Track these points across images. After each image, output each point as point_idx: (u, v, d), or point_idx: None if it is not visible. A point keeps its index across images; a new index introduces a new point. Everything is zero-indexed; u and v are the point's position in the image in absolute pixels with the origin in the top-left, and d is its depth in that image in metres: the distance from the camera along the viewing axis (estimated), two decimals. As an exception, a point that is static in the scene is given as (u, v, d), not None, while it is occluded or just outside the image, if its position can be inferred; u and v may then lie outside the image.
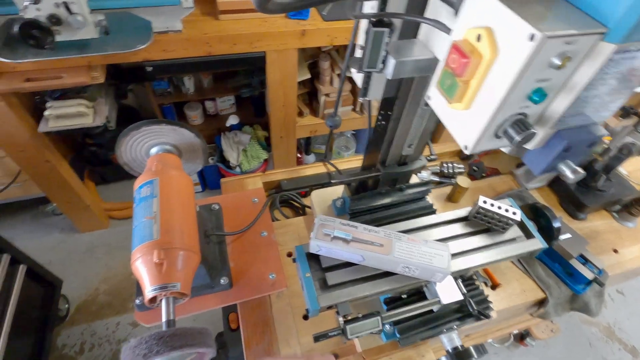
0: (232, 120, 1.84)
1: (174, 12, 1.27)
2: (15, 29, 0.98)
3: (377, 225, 0.64)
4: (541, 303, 0.82)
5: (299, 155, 2.09)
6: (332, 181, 0.65)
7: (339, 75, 1.69)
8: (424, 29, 0.44)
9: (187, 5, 1.30)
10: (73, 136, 1.76)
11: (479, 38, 0.27)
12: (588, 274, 0.77)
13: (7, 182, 1.54)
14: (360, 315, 0.56)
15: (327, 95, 1.72)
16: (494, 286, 0.79)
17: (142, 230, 0.59)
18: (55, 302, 1.45)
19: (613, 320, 1.75)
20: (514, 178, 1.00)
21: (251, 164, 1.86)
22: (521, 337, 1.61)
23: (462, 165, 0.98)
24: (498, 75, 0.27)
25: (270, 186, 0.94)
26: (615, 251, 0.87)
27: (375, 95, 0.55)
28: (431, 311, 0.63)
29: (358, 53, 0.54)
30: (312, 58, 1.71)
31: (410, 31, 0.45)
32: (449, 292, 0.59)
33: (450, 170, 0.97)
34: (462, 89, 0.29)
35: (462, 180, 0.87)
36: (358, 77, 0.58)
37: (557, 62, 0.24)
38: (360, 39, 0.54)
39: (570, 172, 0.31)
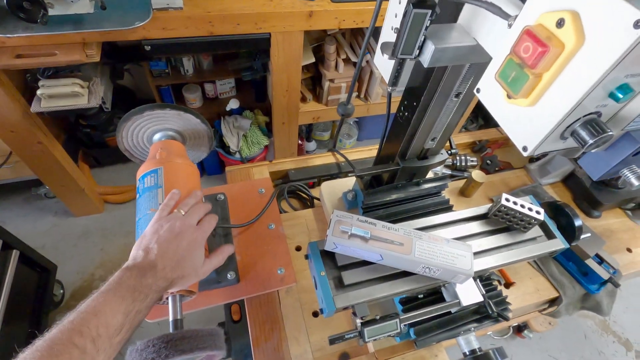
0: (233, 104, 1.78)
1: (175, -13, 1.19)
2: (4, 1, 0.91)
3: (392, 221, 0.61)
4: (552, 301, 0.80)
5: (299, 141, 2.04)
6: (350, 174, 0.62)
7: (344, 59, 1.63)
8: (466, 11, 0.39)
9: (188, -19, 1.23)
10: (66, 117, 1.69)
11: (560, 23, 0.23)
12: (603, 274, 0.75)
13: (-3, 163, 1.48)
14: (377, 317, 0.54)
15: (331, 80, 1.66)
16: (508, 285, 0.77)
17: (147, 223, 0.55)
18: (49, 288, 1.41)
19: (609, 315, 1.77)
20: (527, 173, 0.97)
21: (251, 150, 1.81)
22: (519, 329, 1.62)
23: (475, 158, 0.95)
24: (581, 67, 0.23)
25: (276, 176, 0.90)
26: (629, 250, 0.86)
27: (401, 84, 0.51)
28: (448, 313, 0.61)
29: (386, 37, 0.50)
30: (316, 41, 1.64)
31: (450, 14, 0.41)
32: (469, 293, 0.57)
33: (463, 164, 0.94)
34: (531, 83, 0.26)
35: (477, 175, 0.84)
36: (382, 64, 0.54)
37: (659, 55, 0.21)
38: (389, 21, 0.49)
39: (636, 178, 0.28)
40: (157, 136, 0.69)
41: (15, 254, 1.22)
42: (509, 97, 0.28)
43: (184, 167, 0.65)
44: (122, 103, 1.83)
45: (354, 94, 1.77)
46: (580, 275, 0.78)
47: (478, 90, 0.33)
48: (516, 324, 1.55)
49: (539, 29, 0.24)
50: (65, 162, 1.51)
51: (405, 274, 0.57)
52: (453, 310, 0.59)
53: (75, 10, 1.00)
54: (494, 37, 0.34)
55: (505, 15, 0.30)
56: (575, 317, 1.73)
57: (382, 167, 0.63)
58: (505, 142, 1.07)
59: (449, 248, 0.54)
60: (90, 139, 1.78)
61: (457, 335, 0.60)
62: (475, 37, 0.38)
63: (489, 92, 0.31)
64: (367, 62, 1.65)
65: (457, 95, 0.51)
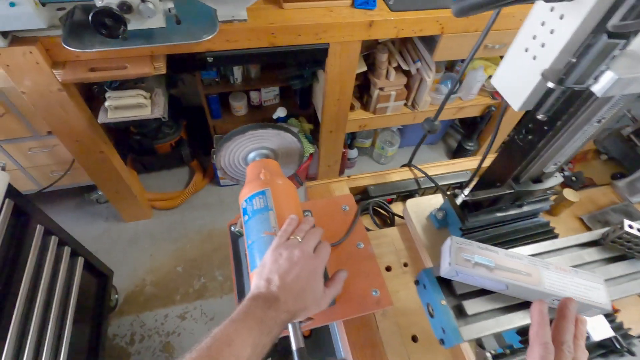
0: (280, 112, 1.78)
1: (240, 0, 1.20)
2: (86, 17, 0.93)
3: (494, 246, 0.59)
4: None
5: (343, 149, 2.03)
6: (465, 199, 0.59)
7: (395, 68, 1.61)
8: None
9: (253, -7, 1.23)
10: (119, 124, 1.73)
11: None
12: None
13: (55, 170, 1.53)
14: (508, 352, 0.51)
15: (381, 89, 1.64)
16: (613, 311, 0.73)
17: (262, 246, 0.54)
18: (107, 293, 1.45)
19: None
20: (613, 190, 0.93)
21: (297, 158, 1.81)
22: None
23: (558, 175, 0.91)
24: None
25: (355, 192, 0.89)
26: None
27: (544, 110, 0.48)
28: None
29: (513, 58, 0.47)
30: (367, 50, 1.63)
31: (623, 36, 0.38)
32: (598, 328, 0.54)
33: (547, 180, 0.90)
34: None
35: (569, 193, 0.81)
36: (504, 84, 0.51)
37: None
38: (523, 41, 0.47)
39: None
40: (252, 155, 0.69)
41: (80, 261, 1.25)
42: None
43: (286, 187, 0.64)
44: (170, 111, 1.86)
45: (402, 102, 1.75)
46: (687, 302, 0.74)
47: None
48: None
49: None
50: (123, 170, 1.54)
51: (527, 303, 0.55)
52: (576, 343, 0.56)
53: (149, 25, 1.02)
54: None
55: None
56: None
57: (494, 191, 0.60)
58: (583, 157, 1.03)
59: (580, 279, 0.52)
60: (140, 146, 1.81)
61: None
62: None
63: None
64: (418, 70, 1.63)
65: (599, 121, 0.48)
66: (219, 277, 1.69)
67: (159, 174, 2.04)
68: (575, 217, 0.86)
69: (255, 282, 0.49)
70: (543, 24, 0.43)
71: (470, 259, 0.52)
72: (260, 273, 0.50)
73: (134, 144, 1.80)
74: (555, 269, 0.52)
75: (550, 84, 0.39)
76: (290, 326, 0.52)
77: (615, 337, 0.55)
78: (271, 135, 0.66)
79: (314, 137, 1.91)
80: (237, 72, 1.71)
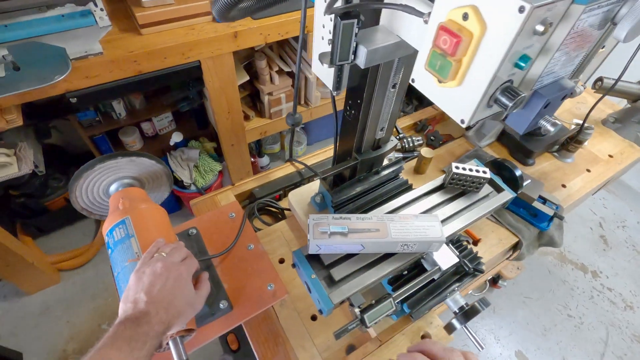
0: (176, 137, 1.74)
1: (90, 33, 1.15)
2: None
3: (363, 212, 0.66)
4: (514, 247, 0.90)
5: (252, 159, 2.04)
6: (315, 178, 0.65)
7: (277, 72, 1.67)
8: (385, 15, 0.45)
9: (103, 25, 1.19)
10: (-6, 191, 1.55)
11: (465, 17, 0.28)
12: (549, 211, 0.86)
13: None
14: (373, 302, 0.57)
15: (270, 94, 1.69)
16: (475, 242, 0.85)
17: (128, 275, 0.54)
18: (19, 379, 1.28)
19: (562, 245, 1.98)
20: (467, 140, 1.07)
21: (206, 179, 1.78)
22: (494, 281, 1.76)
23: (419, 138, 1.03)
24: (490, 48, 0.28)
25: (242, 197, 0.91)
26: (564, 186, 0.99)
27: (343, 86, 0.55)
28: (432, 280, 0.66)
29: (318, 47, 0.54)
30: (246, 59, 1.66)
31: (372, 19, 0.46)
32: (445, 258, 0.63)
33: (411, 144, 1.01)
34: (455, 67, 0.31)
35: (426, 152, 0.92)
36: (321, 72, 0.58)
37: (541, 28, 0.27)
38: (318, 32, 0.53)
39: (551, 125, 0.35)
40: (113, 187, 0.67)
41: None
42: (439, 81, 0.33)
43: (151, 210, 0.64)
44: (56, 162, 1.71)
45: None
46: (531, 217, 0.89)
47: (413, 81, 0.37)
48: (491, 277, 1.68)
49: (450, 24, 0.29)
50: (5, 239, 1.38)
51: (387, 256, 0.61)
52: (436, 277, 0.65)
53: (-16, 77, 0.93)
54: (415, 32, 0.39)
55: (419, 14, 0.35)
56: (536, 257, 1.92)
57: (343, 165, 0.67)
58: (442, 117, 1.17)
59: (419, 222, 0.60)
60: (27, 208, 1.64)
61: (445, 299, 0.66)
62: (398, 34, 0.43)
63: (422, 80, 0.36)
64: (300, 69, 1.70)
65: (393, 87, 0.56)
66: (150, 321, 1.59)
67: (60, 232, 1.86)
68: (439, 170, 0.98)
69: (122, 307, 0.49)
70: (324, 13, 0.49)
71: (326, 231, 0.57)
72: (126, 297, 0.49)
73: (19, 207, 1.62)
74: (399, 219, 0.60)
75: (325, 65, 0.45)
76: (171, 342, 0.52)
77: (463, 262, 0.64)
78: (124, 163, 0.65)
79: (219, 154, 1.89)
80: (119, 106, 1.62)
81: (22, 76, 1.01)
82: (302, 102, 1.86)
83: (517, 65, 0.29)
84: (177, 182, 1.76)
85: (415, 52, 0.39)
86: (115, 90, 1.22)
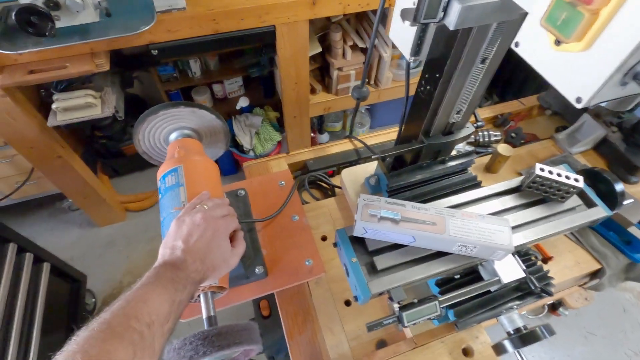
0: (243, 102, 1.77)
1: (176, -12, 1.18)
2: (12, 18, 0.91)
3: (420, 202, 0.59)
4: (594, 274, 0.77)
5: (312, 134, 2.02)
6: (373, 156, 0.59)
7: (351, 46, 1.60)
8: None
9: (189, -20, 1.22)
10: (82, 129, 1.72)
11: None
12: (648, 241, 0.71)
13: (21, 181, 1.52)
14: (415, 301, 0.52)
15: (340, 69, 1.63)
16: (545, 259, 0.73)
17: (171, 222, 0.54)
18: (81, 297, 1.45)
19: (647, 284, 1.70)
20: (555, 143, 0.93)
21: (265, 147, 1.80)
22: (553, 306, 1.57)
23: (498, 133, 0.91)
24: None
25: (295, 168, 0.89)
26: (673, 215, 0.81)
27: (422, 56, 0.48)
28: (488, 292, 0.58)
29: (401, 3, 0.47)
30: (321, 30, 1.61)
31: (473, -30, 0.38)
32: (508, 270, 0.54)
33: (487, 139, 0.90)
34: (587, 22, 0.23)
35: (503, 149, 0.81)
36: (400, 37, 0.51)
37: None
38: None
39: None
40: (173, 135, 0.68)
41: (46, 267, 1.24)
42: (557, 43, 0.25)
43: (203, 163, 0.64)
44: (135, 111, 1.84)
45: (364, 81, 1.74)
46: (623, 244, 0.74)
47: (517, 45, 0.30)
48: (551, 302, 1.50)
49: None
50: (86, 174, 1.53)
51: (439, 254, 0.55)
52: (493, 288, 0.56)
53: (81, 21, 1.00)
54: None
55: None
56: (611, 290, 1.67)
57: (406, 146, 0.60)
58: (528, 114, 1.02)
59: (485, 224, 0.52)
60: (107, 150, 1.80)
61: (498, 315, 0.58)
62: (503, -10, 0.35)
63: (531, 43, 0.28)
64: (375, 46, 1.61)
65: (482, 61, 0.48)
66: (196, 272, 1.70)
67: (132, 175, 2.03)
68: (515, 172, 0.86)
69: (161, 252, 0.50)
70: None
71: (376, 214, 0.52)
72: (166, 242, 0.50)
73: (101, 148, 1.79)
74: (462, 217, 0.52)
75: (407, 23, 0.39)
76: (202, 296, 0.52)
77: (529, 279, 0.55)
78: (186, 113, 0.65)
79: (280, 124, 1.90)
80: (195, 65, 1.69)
81: (112, 23, 1.08)
82: (372, 81, 1.77)
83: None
84: (238, 146, 1.81)
85: (521, 17, 0.32)
86: (192, 47, 1.25)
